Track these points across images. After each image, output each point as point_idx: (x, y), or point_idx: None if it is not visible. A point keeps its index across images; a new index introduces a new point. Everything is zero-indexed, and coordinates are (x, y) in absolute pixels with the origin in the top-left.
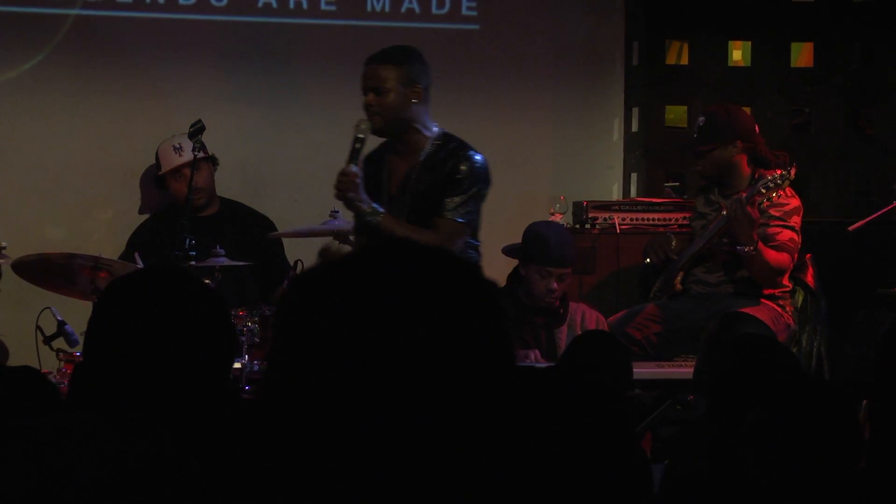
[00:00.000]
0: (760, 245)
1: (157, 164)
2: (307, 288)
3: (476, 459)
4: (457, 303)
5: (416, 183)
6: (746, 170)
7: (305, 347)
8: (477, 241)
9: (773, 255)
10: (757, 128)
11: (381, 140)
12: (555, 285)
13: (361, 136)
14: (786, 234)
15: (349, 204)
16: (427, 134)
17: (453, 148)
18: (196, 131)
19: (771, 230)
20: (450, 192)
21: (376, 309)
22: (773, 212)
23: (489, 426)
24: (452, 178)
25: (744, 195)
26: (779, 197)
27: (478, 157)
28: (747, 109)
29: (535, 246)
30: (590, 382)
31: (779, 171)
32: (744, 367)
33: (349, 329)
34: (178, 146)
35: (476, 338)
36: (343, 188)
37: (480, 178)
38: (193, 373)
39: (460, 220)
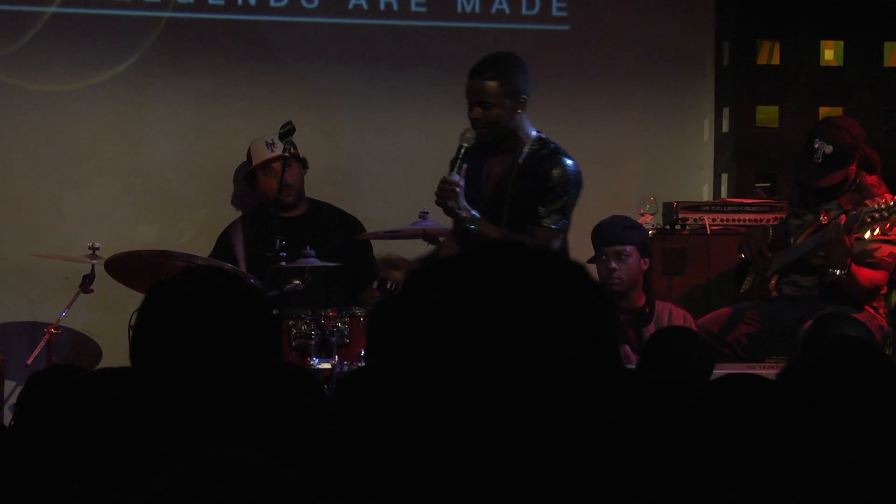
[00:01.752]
0: (854, 267)
1: (248, 160)
2: (420, 286)
3: (584, 459)
4: (565, 302)
5: (512, 188)
6: (852, 175)
7: (416, 345)
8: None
9: (866, 275)
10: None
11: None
12: (613, 264)
13: (466, 145)
14: (885, 250)
15: (448, 211)
16: (525, 139)
17: (546, 154)
18: (286, 132)
19: (870, 246)
20: (543, 198)
21: (488, 307)
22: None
23: (596, 423)
24: (545, 184)
25: (843, 220)
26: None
27: (569, 163)
28: (839, 110)
29: (593, 236)
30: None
31: (886, 198)
32: (834, 368)
33: (460, 327)
34: (270, 142)
35: (584, 337)
36: (444, 196)
37: (571, 184)
38: (238, 369)
39: (553, 226)
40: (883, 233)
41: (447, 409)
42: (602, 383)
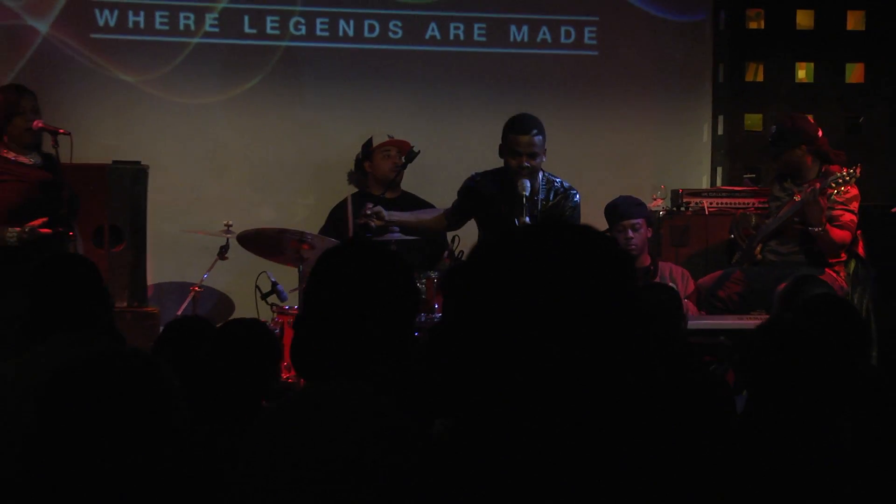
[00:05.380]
0: (827, 225)
1: (370, 143)
2: (483, 260)
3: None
4: (603, 270)
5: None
6: (812, 165)
7: (484, 311)
8: None
9: (836, 233)
10: (820, 131)
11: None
12: (630, 233)
13: (526, 193)
14: (847, 217)
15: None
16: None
17: (561, 191)
18: (411, 156)
19: (836, 212)
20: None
21: (545, 274)
22: (838, 198)
23: (631, 379)
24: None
25: (817, 186)
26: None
27: (575, 195)
28: (810, 117)
29: (609, 213)
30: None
31: (846, 170)
32: (818, 324)
33: (518, 290)
34: (391, 136)
35: (618, 299)
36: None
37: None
38: (388, 327)
39: None
40: (844, 203)
41: (508, 356)
42: (633, 336)
